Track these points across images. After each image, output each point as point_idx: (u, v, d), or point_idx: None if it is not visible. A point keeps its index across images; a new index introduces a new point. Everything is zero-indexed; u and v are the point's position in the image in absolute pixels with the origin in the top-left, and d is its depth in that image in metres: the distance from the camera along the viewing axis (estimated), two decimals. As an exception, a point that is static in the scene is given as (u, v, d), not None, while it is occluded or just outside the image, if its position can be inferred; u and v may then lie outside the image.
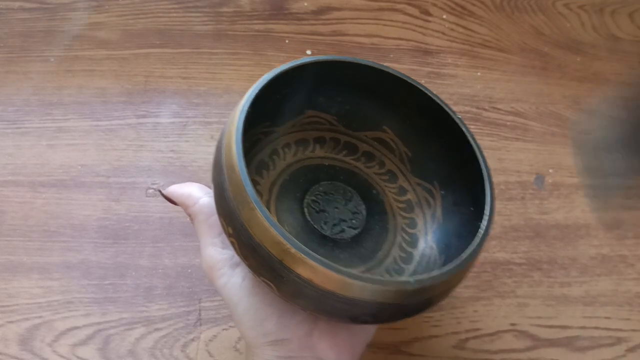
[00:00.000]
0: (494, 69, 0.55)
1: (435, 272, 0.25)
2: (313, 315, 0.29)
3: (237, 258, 0.30)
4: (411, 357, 0.40)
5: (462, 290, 0.43)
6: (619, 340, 0.42)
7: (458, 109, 0.52)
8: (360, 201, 0.35)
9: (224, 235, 0.30)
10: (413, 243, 0.34)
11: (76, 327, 0.38)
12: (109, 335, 0.38)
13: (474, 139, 0.31)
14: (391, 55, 0.54)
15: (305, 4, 0.55)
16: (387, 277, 0.32)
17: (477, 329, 0.41)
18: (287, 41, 0.53)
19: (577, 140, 0.52)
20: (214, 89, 0.49)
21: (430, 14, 0.57)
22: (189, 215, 0.32)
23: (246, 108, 0.28)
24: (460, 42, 0.56)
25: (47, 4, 0.51)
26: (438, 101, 0.32)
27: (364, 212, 0.34)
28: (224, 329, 0.39)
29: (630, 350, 0.42)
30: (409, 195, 0.36)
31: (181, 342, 0.38)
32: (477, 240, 0.27)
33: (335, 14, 0.55)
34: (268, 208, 0.32)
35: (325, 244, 0.32)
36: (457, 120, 0.32)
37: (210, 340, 0.39)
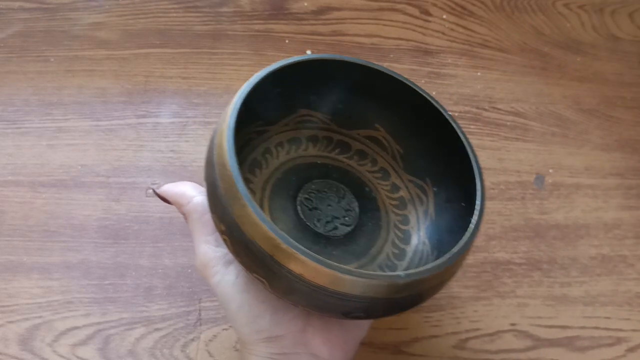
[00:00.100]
0: (494, 69, 0.55)
1: (425, 267, 0.26)
2: (306, 312, 0.29)
3: (230, 256, 0.30)
4: (411, 357, 0.40)
5: (462, 290, 0.43)
6: (619, 340, 0.42)
7: (458, 109, 0.52)
8: (353, 199, 0.35)
9: (217, 234, 0.30)
10: (406, 239, 0.35)
11: (76, 327, 0.38)
12: (109, 335, 0.38)
13: (464, 135, 0.32)
14: (391, 55, 0.54)
15: (305, 4, 0.55)
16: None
17: (477, 329, 0.41)
18: (287, 41, 0.53)
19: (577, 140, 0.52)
20: (214, 89, 0.49)
21: (430, 14, 0.57)
22: (183, 213, 0.32)
23: (238, 106, 0.28)
24: (460, 42, 0.56)
25: (47, 4, 0.51)
26: (429, 99, 0.33)
27: (357, 210, 0.35)
28: (224, 329, 0.39)
29: (630, 350, 0.42)
30: (402, 192, 0.36)
31: (181, 342, 0.38)
32: (467, 234, 0.27)
33: (335, 14, 0.55)
34: (261, 206, 0.32)
35: (318, 241, 0.32)
36: (448, 118, 0.32)
37: (210, 340, 0.39)
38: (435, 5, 0.57)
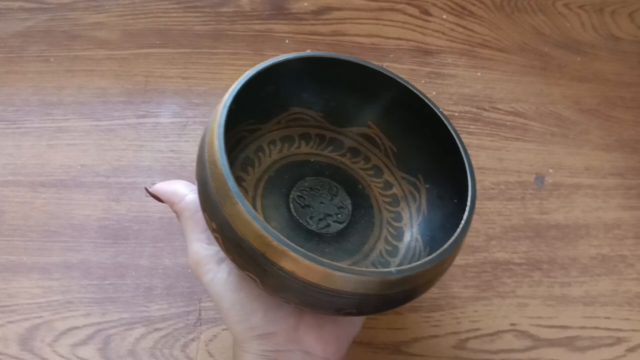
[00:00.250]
0: (494, 69, 0.55)
1: (416, 263, 0.26)
2: (299, 309, 0.30)
3: (222, 254, 0.30)
4: (411, 357, 0.40)
5: (462, 290, 0.43)
6: (619, 340, 0.42)
7: (458, 109, 0.52)
8: (346, 196, 0.35)
9: (209, 232, 0.30)
10: (399, 236, 0.35)
11: (76, 327, 0.38)
12: (109, 335, 0.38)
13: (456, 132, 0.32)
14: (391, 55, 0.54)
15: (305, 4, 0.55)
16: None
17: (477, 329, 0.41)
18: (287, 41, 0.53)
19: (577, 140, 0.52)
20: (214, 89, 0.49)
21: (430, 14, 0.57)
22: (175, 212, 0.32)
23: (228, 104, 0.28)
24: (460, 42, 0.56)
25: (47, 4, 0.51)
26: (421, 96, 0.33)
27: (350, 207, 0.35)
28: (224, 329, 0.39)
29: (630, 350, 0.42)
30: (395, 190, 0.36)
31: (181, 342, 0.38)
32: (458, 231, 0.28)
33: (335, 14, 0.55)
34: (254, 204, 0.33)
35: (310, 238, 0.33)
36: (440, 115, 0.32)
37: (210, 340, 0.39)
38: (435, 5, 0.57)
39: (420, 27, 0.56)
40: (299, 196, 0.34)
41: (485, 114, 0.52)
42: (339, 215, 0.34)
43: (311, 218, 0.33)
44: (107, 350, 0.37)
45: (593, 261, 0.46)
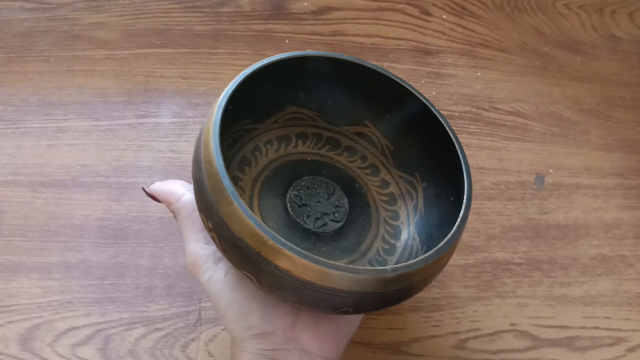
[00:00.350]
0: (494, 69, 0.55)
1: (412, 261, 0.26)
2: (296, 308, 0.30)
3: (219, 253, 0.30)
4: (411, 357, 0.40)
5: (462, 290, 0.43)
6: (619, 340, 0.42)
7: (458, 109, 0.52)
8: (343, 195, 0.35)
9: (206, 231, 0.30)
10: (396, 235, 0.35)
11: (76, 327, 0.38)
12: (109, 335, 0.38)
13: (452, 130, 0.32)
14: (391, 55, 0.54)
15: (305, 4, 0.55)
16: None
17: (477, 329, 0.41)
18: (287, 41, 0.53)
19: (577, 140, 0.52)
20: (214, 89, 0.49)
21: (430, 14, 0.57)
22: (172, 212, 0.33)
23: (224, 103, 0.28)
24: (460, 42, 0.56)
25: (47, 4, 0.51)
26: (417, 94, 0.33)
27: (347, 206, 0.35)
28: (224, 329, 0.39)
29: (630, 350, 0.42)
30: (392, 188, 0.37)
31: (181, 342, 0.38)
32: (454, 229, 0.28)
33: (335, 14, 0.55)
34: (251, 204, 0.33)
35: (308, 237, 0.33)
36: (436, 113, 0.33)
37: (210, 340, 0.39)
38: (435, 5, 0.57)
39: (420, 27, 0.56)
40: (295, 195, 0.34)
41: (485, 114, 0.52)
42: (336, 214, 0.34)
43: (308, 217, 0.33)
44: (107, 350, 0.37)
45: (593, 261, 0.46)
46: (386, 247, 0.34)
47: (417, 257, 0.26)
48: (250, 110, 0.34)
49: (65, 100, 0.47)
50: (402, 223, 0.35)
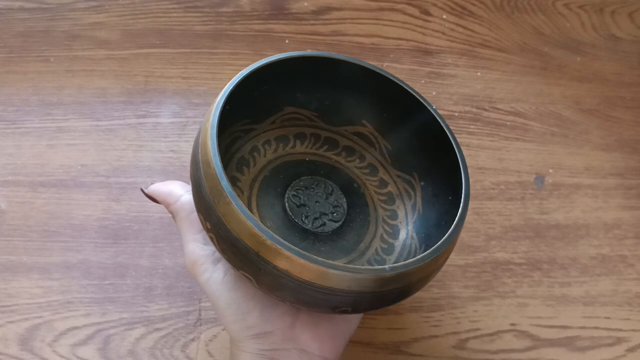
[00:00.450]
0: (494, 69, 0.55)
1: (410, 260, 0.26)
2: (295, 308, 0.30)
3: (218, 253, 0.30)
4: (411, 357, 0.40)
5: (462, 290, 0.43)
6: (619, 340, 0.42)
7: (458, 109, 0.52)
8: (341, 195, 0.35)
9: (205, 232, 0.30)
10: (394, 234, 0.35)
11: (76, 327, 0.38)
12: (109, 335, 0.38)
13: (449, 129, 0.32)
14: (391, 55, 0.54)
15: (305, 4, 0.55)
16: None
17: (477, 329, 0.41)
18: (287, 41, 0.53)
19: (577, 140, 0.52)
20: (214, 89, 0.49)
21: (430, 14, 0.57)
22: (171, 212, 0.33)
23: (221, 104, 0.28)
24: (460, 42, 0.56)
25: (47, 4, 0.51)
26: (414, 93, 0.33)
27: (345, 206, 0.35)
28: (223, 329, 0.39)
29: (630, 350, 0.42)
30: (390, 188, 0.37)
31: (181, 342, 0.38)
32: (452, 228, 0.28)
33: (335, 14, 0.55)
34: (249, 204, 0.33)
35: (306, 237, 0.33)
36: (433, 112, 0.33)
37: (210, 340, 0.39)
38: (435, 5, 0.57)
39: (420, 27, 0.56)
40: (294, 195, 0.34)
41: (485, 114, 0.52)
42: (335, 214, 0.34)
43: (307, 217, 0.33)
44: (107, 350, 0.37)
45: (593, 261, 0.46)
46: (385, 246, 0.34)
47: (415, 256, 0.27)
48: (248, 110, 0.34)
49: (65, 100, 0.47)
50: (400, 222, 0.35)
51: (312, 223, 0.33)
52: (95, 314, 0.39)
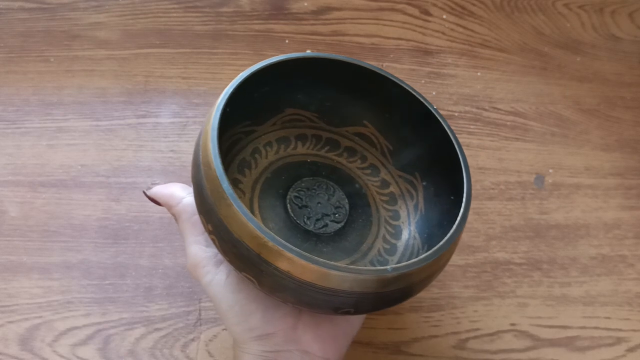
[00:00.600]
0: (494, 69, 0.55)
1: (412, 260, 0.26)
2: (297, 309, 0.30)
3: (220, 255, 0.30)
4: (411, 357, 0.40)
5: (462, 290, 0.43)
6: (619, 340, 0.42)
7: (458, 109, 0.52)
8: (343, 195, 0.35)
9: (207, 234, 0.30)
10: (396, 235, 0.35)
11: (76, 327, 0.38)
12: (109, 335, 0.38)
13: (450, 129, 0.32)
14: (391, 55, 0.54)
15: (305, 4, 0.55)
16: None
17: (477, 329, 0.41)
18: (287, 41, 0.53)
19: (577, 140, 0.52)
20: (214, 89, 0.49)
21: (430, 14, 0.57)
22: (173, 214, 0.33)
23: (222, 106, 0.28)
24: (460, 42, 0.56)
25: (47, 4, 0.51)
26: (415, 94, 0.33)
27: (347, 206, 0.35)
28: (224, 329, 0.39)
29: (630, 350, 0.42)
30: (392, 188, 0.37)
31: (181, 342, 0.38)
32: (453, 227, 0.28)
33: (335, 14, 0.55)
34: (251, 206, 0.33)
35: (308, 238, 0.33)
36: (434, 112, 0.33)
37: (210, 340, 0.39)
38: (435, 5, 0.57)
39: (420, 27, 0.56)
40: (296, 197, 0.34)
41: (485, 114, 0.52)
42: (337, 215, 0.34)
43: (309, 218, 0.33)
44: (107, 350, 0.37)
45: (593, 261, 0.46)
46: (387, 247, 0.34)
47: (418, 256, 0.26)
48: (249, 112, 0.34)
49: (65, 100, 0.47)
50: (402, 223, 0.35)
51: (314, 224, 0.33)
52: (95, 314, 0.39)
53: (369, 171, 0.37)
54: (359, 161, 0.37)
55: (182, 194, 0.32)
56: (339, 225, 0.34)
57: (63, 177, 0.44)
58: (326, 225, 0.34)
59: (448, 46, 0.55)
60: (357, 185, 0.36)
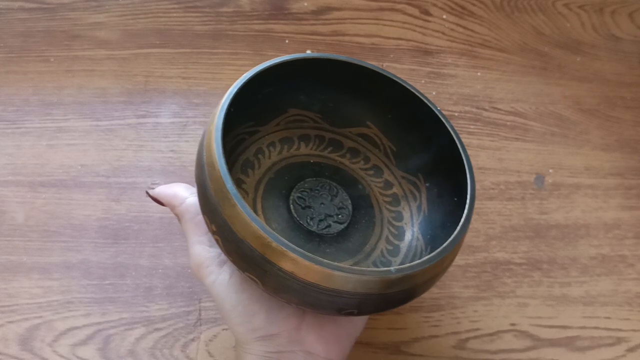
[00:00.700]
0: (494, 69, 0.55)
1: (416, 262, 0.26)
2: (300, 310, 0.30)
3: (224, 256, 0.30)
4: (411, 357, 0.40)
5: (462, 290, 0.43)
6: (619, 340, 0.42)
7: (458, 109, 0.52)
8: (346, 196, 0.35)
9: (210, 234, 0.30)
10: (399, 236, 0.35)
11: (76, 327, 0.38)
12: (109, 335, 0.38)
13: (454, 130, 0.32)
14: (391, 55, 0.54)
15: (305, 4, 0.55)
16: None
17: (477, 329, 0.41)
18: (287, 41, 0.53)
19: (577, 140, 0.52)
20: (214, 89, 0.49)
21: (430, 14, 0.57)
22: (176, 215, 0.33)
23: (226, 106, 0.28)
24: (460, 42, 0.56)
25: (47, 4, 0.51)
26: (419, 95, 0.33)
27: (350, 207, 0.35)
28: (224, 329, 0.39)
29: (630, 350, 0.42)
30: (395, 189, 0.37)
31: (181, 342, 0.38)
32: (457, 229, 0.28)
33: (335, 14, 0.55)
34: (254, 206, 0.33)
35: (311, 239, 0.33)
36: (438, 113, 0.33)
37: (210, 340, 0.39)
38: (435, 5, 0.57)
39: (420, 27, 0.56)
40: (299, 197, 0.34)
41: (485, 114, 0.52)
42: (340, 216, 0.34)
43: (312, 219, 0.33)
44: (107, 350, 0.37)
45: (593, 261, 0.46)
46: (390, 248, 0.34)
47: (421, 257, 0.26)
48: (252, 112, 0.34)
49: (65, 100, 0.47)
50: (405, 224, 0.35)
51: (317, 225, 0.33)
52: (95, 314, 0.39)
53: (372, 172, 0.37)
54: (362, 162, 0.37)
55: (185, 194, 0.32)
56: (342, 226, 0.34)
57: (63, 177, 0.44)
58: (329, 226, 0.34)
59: (448, 46, 0.55)
60: (360, 186, 0.36)
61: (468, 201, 0.29)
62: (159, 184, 0.44)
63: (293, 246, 0.24)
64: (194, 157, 0.45)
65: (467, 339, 0.41)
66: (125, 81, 0.49)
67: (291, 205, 0.34)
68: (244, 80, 0.29)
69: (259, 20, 0.54)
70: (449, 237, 0.27)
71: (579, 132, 0.53)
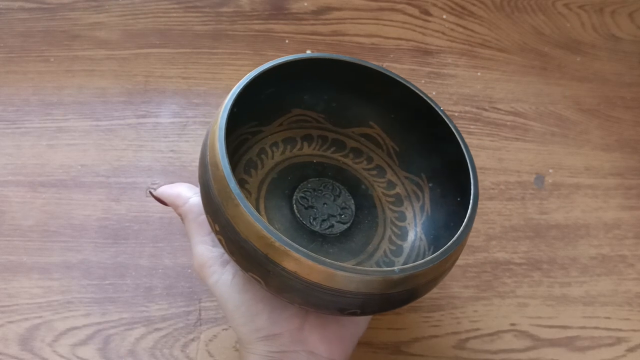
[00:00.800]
0: (494, 69, 0.55)
1: (419, 262, 0.26)
2: (303, 310, 0.30)
3: (227, 256, 0.30)
4: (411, 357, 0.40)
5: (462, 290, 0.43)
6: (619, 340, 0.42)
7: (458, 109, 0.52)
8: (349, 196, 0.35)
9: (213, 234, 0.30)
10: (402, 236, 0.35)
11: (76, 327, 0.38)
12: (109, 335, 0.38)
13: (457, 130, 0.32)
14: (391, 55, 0.54)
15: (305, 4, 0.55)
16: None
17: (477, 329, 0.41)
18: (287, 41, 0.53)
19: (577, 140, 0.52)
20: (214, 89, 0.49)
21: (430, 14, 0.57)
22: (179, 215, 0.33)
23: (229, 106, 0.28)
24: (460, 42, 0.56)
25: (47, 4, 0.51)
26: (422, 95, 0.33)
27: (353, 207, 0.35)
28: (224, 329, 0.39)
29: (630, 350, 0.42)
30: (398, 189, 0.37)
31: (181, 342, 0.38)
32: (460, 229, 0.28)
33: (335, 14, 0.55)
34: (257, 206, 0.33)
35: (314, 239, 0.33)
36: (441, 114, 0.33)
37: (210, 340, 0.39)
38: (435, 5, 0.57)
39: (420, 27, 0.56)
40: (302, 197, 0.34)
41: (485, 114, 0.52)
42: (343, 216, 0.34)
43: (315, 219, 0.33)
44: (107, 350, 0.37)
45: (593, 261, 0.46)
46: (393, 248, 0.34)
47: (424, 257, 0.26)
48: (255, 113, 0.34)
49: (65, 100, 0.47)
50: (408, 224, 0.35)
51: (320, 225, 0.33)
52: (95, 314, 0.39)
53: (375, 172, 0.37)
54: (365, 162, 0.37)
55: (188, 194, 0.32)
56: (345, 226, 0.34)
57: (63, 177, 0.44)
58: (332, 226, 0.34)
59: (448, 46, 0.55)
60: (363, 186, 0.36)
61: (471, 201, 0.29)
62: (159, 184, 0.44)
63: (296, 246, 0.24)
64: (194, 157, 0.46)
65: (467, 339, 0.41)
66: (125, 81, 0.49)
67: (294, 205, 0.34)
68: (247, 80, 0.29)
69: (259, 20, 0.54)
70: (452, 237, 0.27)
71: (579, 132, 0.53)
